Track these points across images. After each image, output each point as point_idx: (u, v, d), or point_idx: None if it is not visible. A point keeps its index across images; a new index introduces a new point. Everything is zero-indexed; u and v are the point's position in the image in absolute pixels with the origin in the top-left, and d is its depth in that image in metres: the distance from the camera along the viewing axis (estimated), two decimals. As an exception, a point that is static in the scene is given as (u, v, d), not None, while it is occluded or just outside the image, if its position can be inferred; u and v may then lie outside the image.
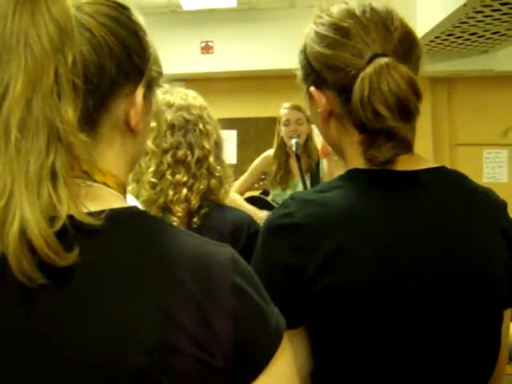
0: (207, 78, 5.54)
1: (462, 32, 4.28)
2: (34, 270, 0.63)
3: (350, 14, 0.99)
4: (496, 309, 0.97)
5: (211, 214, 1.63)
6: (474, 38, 4.48)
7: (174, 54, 5.03)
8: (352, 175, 0.99)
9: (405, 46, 0.97)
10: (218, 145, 1.69)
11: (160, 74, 0.85)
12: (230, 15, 5.53)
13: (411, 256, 0.92)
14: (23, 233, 0.63)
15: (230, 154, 5.64)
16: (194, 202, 1.61)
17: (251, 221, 1.70)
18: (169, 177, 1.61)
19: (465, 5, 3.56)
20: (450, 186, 1.00)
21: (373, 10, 0.99)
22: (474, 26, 4.08)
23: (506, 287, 0.98)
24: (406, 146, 0.94)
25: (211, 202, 1.65)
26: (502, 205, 1.03)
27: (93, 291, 0.67)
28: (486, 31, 4.27)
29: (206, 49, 5.63)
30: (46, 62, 0.66)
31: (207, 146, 1.64)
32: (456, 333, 0.93)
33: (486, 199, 1.01)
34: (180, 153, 1.62)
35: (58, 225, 0.64)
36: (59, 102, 0.66)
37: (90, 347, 0.64)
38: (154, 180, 1.61)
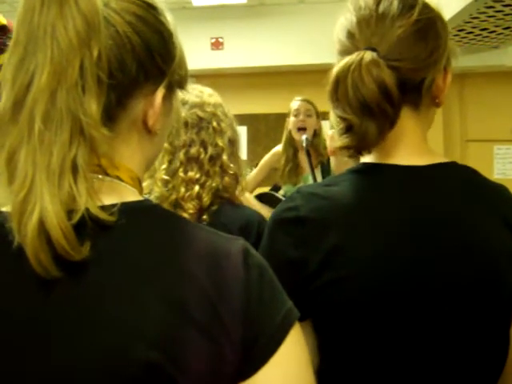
0: (217, 74, 5.54)
1: (473, 27, 4.25)
2: (50, 261, 0.64)
3: (369, 4, 0.99)
4: (503, 307, 0.95)
5: (221, 211, 1.62)
6: (484, 33, 4.45)
7: (183, 48, 4.99)
8: (359, 169, 0.99)
9: (405, 43, 0.95)
10: (232, 142, 1.69)
11: (184, 77, 0.85)
12: (240, 11, 5.53)
13: (414, 252, 0.92)
14: (42, 223, 0.64)
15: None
16: (206, 199, 1.60)
17: (262, 220, 1.68)
18: (181, 174, 1.60)
19: (476, 0, 3.54)
20: (458, 181, 0.99)
21: (394, 1, 0.98)
22: (485, 21, 4.06)
23: None
24: (364, 141, 0.94)
25: (223, 200, 1.64)
26: None
27: (105, 285, 0.67)
28: (497, 26, 4.24)
29: (216, 45, 5.62)
30: (72, 54, 0.67)
31: (220, 143, 1.64)
32: (460, 330, 0.93)
33: (496, 195, 1.00)
34: (193, 150, 1.62)
35: (76, 218, 0.65)
36: (83, 96, 0.67)
37: (98, 341, 0.65)
38: (166, 177, 1.61)
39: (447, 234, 0.93)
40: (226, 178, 1.64)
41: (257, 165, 3.53)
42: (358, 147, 0.96)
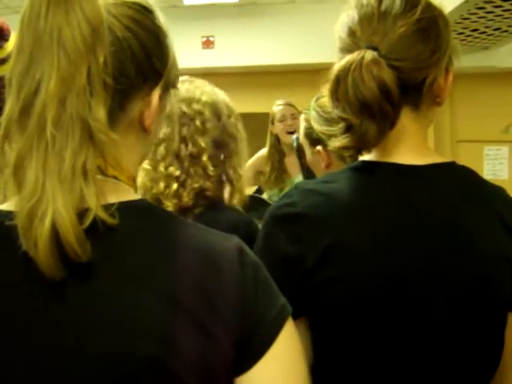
0: (208, 73, 5.48)
1: (464, 28, 4.26)
2: (58, 263, 0.65)
3: (371, 2, 0.98)
4: (498, 307, 0.95)
5: (204, 215, 1.57)
6: (475, 34, 4.46)
7: (174, 48, 4.99)
8: (358, 166, 0.99)
9: (407, 42, 0.94)
10: (219, 145, 1.63)
11: (177, 76, 0.87)
12: (231, 10, 5.51)
13: (410, 252, 0.92)
14: (54, 227, 0.64)
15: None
16: (187, 199, 1.55)
17: (248, 222, 1.64)
18: (162, 169, 1.56)
19: (467, 1, 3.54)
20: (456, 181, 0.99)
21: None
22: (476, 22, 4.06)
23: (511, 288, 0.96)
24: (363, 142, 0.94)
25: (207, 202, 1.59)
26: (511, 203, 1.01)
27: (109, 285, 0.70)
28: (487, 27, 4.25)
29: (207, 44, 5.61)
30: (79, 61, 0.67)
31: (201, 142, 1.58)
32: (455, 330, 0.93)
33: (493, 196, 1.00)
34: (174, 145, 1.57)
35: (87, 222, 0.67)
36: (91, 101, 0.68)
37: (102, 340, 0.67)
38: (148, 167, 1.56)
39: (443, 234, 0.93)
40: (209, 182, 1.58)
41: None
42: (357, 147, 0.95)
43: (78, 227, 0.66)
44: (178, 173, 1.56)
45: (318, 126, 1.54)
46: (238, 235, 1.53)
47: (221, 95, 1.70)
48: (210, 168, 1.59)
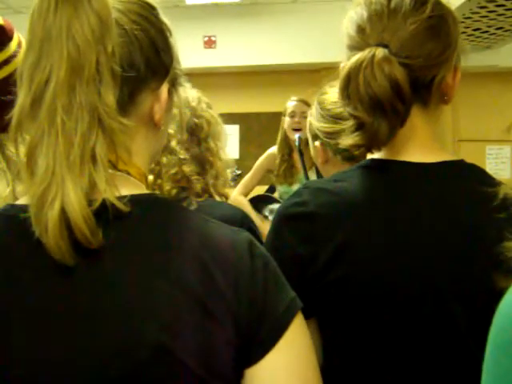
0: (210, 73, 5.53)
1: (466, 27, 4.25)
2: (69, 248, 0.67)
3: None
4: None
5: (200, 210, 1.56)
6: (477, 33, 4.46)
7: (177, 47, 4.98)
8: (368, 165, 0.99)
9: (417, 40, 0.94)
10: (192, 129, 1.61)
11: (181, 72, 0.89)
12: (234, 10, 5.51)
13: (422, 251, 0.91)
14: (64, 211, 0.66)
15: (232, 149, 5.63)
16: (168, 187, 1.52)
17: (244, 216, 1.65)
18: None
19: (469, 0, 3.54)
20: (466, 180, 0.98)
21: None
22: (478, 21, 4.06)
23: None
24: (375, 140, 0.94)
25: (196, 193, 1.57)
26: None
27: (119, 272, 0.70)
28: (489, 27, 4.25)
29: (209, 43, 5.61)
30: (88, 51, 0.69)
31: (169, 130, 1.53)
32: (470, 332, 0.91)
33: (502, 196, 1.00)
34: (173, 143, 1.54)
35: (95, 205, 0.68)
36: (100, 88, 0.70)
37: (111, 326, 0.68)
38: None
39: (454, 232, 0.93)
40: (185, 166, 1.56)
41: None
42: (368, 145, 0.95)
43: (87, 210, 0.67)
44: (152, 165, 1.51)
45: (315, 122, 1.55)
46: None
47: (188, 87, 1.68)
48: (181, 152, 1.56)
